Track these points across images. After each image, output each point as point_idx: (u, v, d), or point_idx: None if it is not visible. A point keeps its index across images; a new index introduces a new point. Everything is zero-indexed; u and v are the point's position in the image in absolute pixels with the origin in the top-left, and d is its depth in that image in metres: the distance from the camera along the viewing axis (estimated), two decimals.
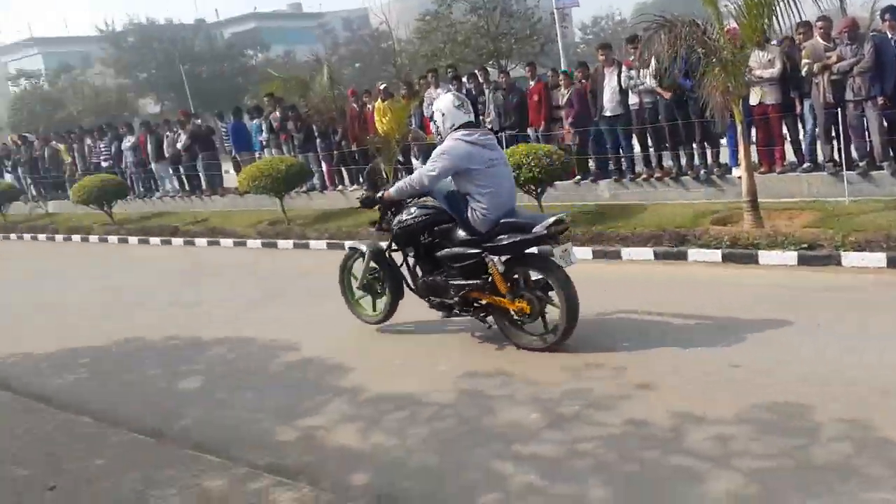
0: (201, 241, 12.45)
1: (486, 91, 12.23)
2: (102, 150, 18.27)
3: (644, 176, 10.62)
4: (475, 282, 5.59)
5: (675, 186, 10.28)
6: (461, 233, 5.65)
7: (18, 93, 47.22)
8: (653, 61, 8.93)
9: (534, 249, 5.51)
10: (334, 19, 68.95)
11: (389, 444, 4.38)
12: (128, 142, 17.60)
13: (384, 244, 6.35)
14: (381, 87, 13.27)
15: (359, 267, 6.55)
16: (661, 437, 4.02)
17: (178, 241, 12.78)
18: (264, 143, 15.06)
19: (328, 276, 8.99)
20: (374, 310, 6.56)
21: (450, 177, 5.63)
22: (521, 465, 3.93)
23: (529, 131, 11.78)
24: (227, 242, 12.11)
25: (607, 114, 10.56)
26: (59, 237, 15.25)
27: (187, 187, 16.74)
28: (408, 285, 6.19)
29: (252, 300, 8.27)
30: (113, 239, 13.99)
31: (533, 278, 5.52)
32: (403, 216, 5.98)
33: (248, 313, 7.74)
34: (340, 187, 14.18)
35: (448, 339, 6.10)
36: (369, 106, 13.18)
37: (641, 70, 9.98)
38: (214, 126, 17.37)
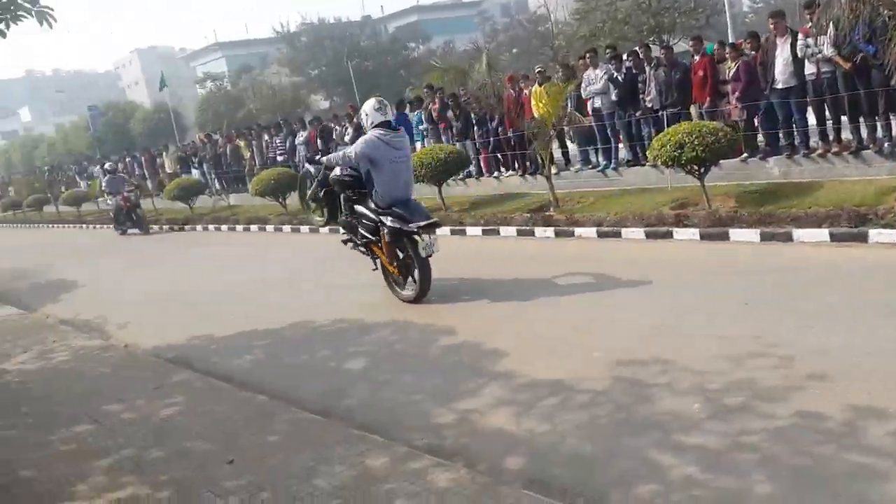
0: None
1: (647, 69, 11.82)
2: (278, 145, 19.54)
3: (820, 151, 9.82)
4: (374, 238, 7.55)
5: (855, 162, 9.42)
6: (370, 202, 7.43)
7: (204, 94, 51.45)
8: (831, 27, 8.24)
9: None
10: (493, 6, 69.27)
11: (543, 429, 4.39)
12: (300, 137, 18.69)
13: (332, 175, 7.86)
14: (538, 70, 13.19)
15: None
16: (836, 432, 3.75)
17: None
18: (424, 132, 15.44)
19: (484, 262, 9.13)
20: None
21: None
22: (681, 455, 3.80)
23: (693, 109, 11.27)
24: None
25: (779, 86, 9.86)
26: (238, 227, 16.49)
27: None
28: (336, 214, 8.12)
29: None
30: (286, 228, 14.93)
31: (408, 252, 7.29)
32: (338, 172, 7.71)
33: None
34: (496, 174, 14.28)
35: (602, 326, 6.00)
36: (526, 91, 13.14)
37: (819, 37, 9.22)
38: None
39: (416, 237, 7.09)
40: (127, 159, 27.89)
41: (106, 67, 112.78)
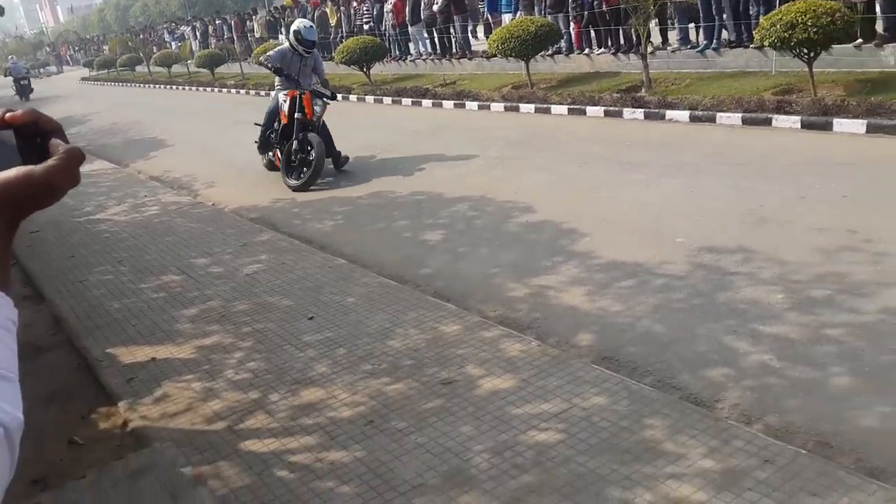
0: (448, 104, 12.79)
1: None
2: (365, 13, 19.15)
3: None
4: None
5: None
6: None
7: None
8: None
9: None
10: None
11: (616, 308, 4.37)
12: (388, 4, 18.24)
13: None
14: None
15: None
16: None
17: (427, 102, 13.26)
18: (517, 3, 14.80)
19: (566, 141, 8.91)
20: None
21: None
22: (758, 343, 3.74)
23: None
24: (471, 105, 12.33)
25: None
26: None
27: (439, 50, 17.13)
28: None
29: (490, 159, 8.44)
30: (369, 99, 14.86)
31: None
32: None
33: (482, 174, 7.93)
34: (587, 51, 13.66)
35: (688, 211, 5.81)
36: None
37: None
38: None
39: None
40: (217, 22, 27.94)
41: None
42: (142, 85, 27.37)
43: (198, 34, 28.71)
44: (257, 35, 24.32)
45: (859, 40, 9.68)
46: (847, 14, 8.29)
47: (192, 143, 12.88)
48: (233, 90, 20.58)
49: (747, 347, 3.72)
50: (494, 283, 5.08)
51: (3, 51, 70.36)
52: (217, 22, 27.83)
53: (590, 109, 10.26)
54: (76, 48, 53.46)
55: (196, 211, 7.86)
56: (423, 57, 17.63)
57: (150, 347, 4.53)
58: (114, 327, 4.93)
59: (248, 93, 19.62)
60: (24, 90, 27.07)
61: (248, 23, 25.52)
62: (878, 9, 9.66)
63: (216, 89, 21.52)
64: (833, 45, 8.70)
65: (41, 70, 50.16)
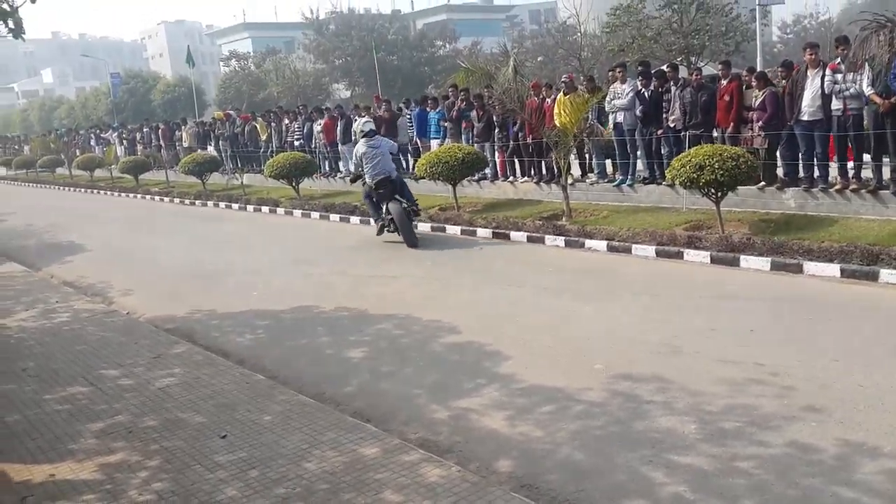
0: None
1: (673, 88, 11.78)
2: (296, 129, 19.58)
3: (838, 186, 9.76)
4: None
5: (872, 201, 9.36)
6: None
7: (228, 72, 51.58)
8: (866, 66, 8.19)
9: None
10: (523, 12, 69.22)
11: (537, 434, 4.39)
12: (318, 124, 18.73)
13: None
14: (564, 80, 13.13)
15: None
16: (829, 465, 3.75)
17: (355, 219, 13.42)
18: (444, 130, 15.43)
19: (491, 265, 9.13)
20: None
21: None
22: (673, 474, 3.79)
23: (716, 132, 11.24)
24: None
25: (805, 118, 9.80)
26: (250, 207, 16.53)
27: None
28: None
29: (416, 278, 8.55)
30: (297, 213, 14.94)
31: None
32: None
33: (409, 292, 8.00)
34: (511, 178, 14.26)
35: (606, 339, 5.98)
36: (548, 99, 13.12)
37: (847, 74, 9.19)
38: (400, 112, 18.05)
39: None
40: (145, 129, 27.96)
41: (132, 37, 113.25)
42: (61, 188, 26.81)
43: (124, 140, 28.57)
44: (185, 145, 24.38)
45: (762, 183, 10.47)
46: (750, 159, 9.01)
47: (111, 250, 12.56)
48: (157, 197, 20.37)
49: (663, 478, 3.77)
50: (417, 403, 5.04)
51: None
52: (145, 129, 27.85)
53: (514, 234, 10.60)
54: None
55: (109, 319, 7.59)
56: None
57: (49, 464, 4.24)
58: (11, 441, 4.61)
59: (172, 201, 19.46)
60: None
61: (176, 132, 25.62)
62: (778, 155, 10.53)
63: (139, 196, 21.26)
64: (738, 187, 9.38)
65: None
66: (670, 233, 9.22)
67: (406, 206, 10.65)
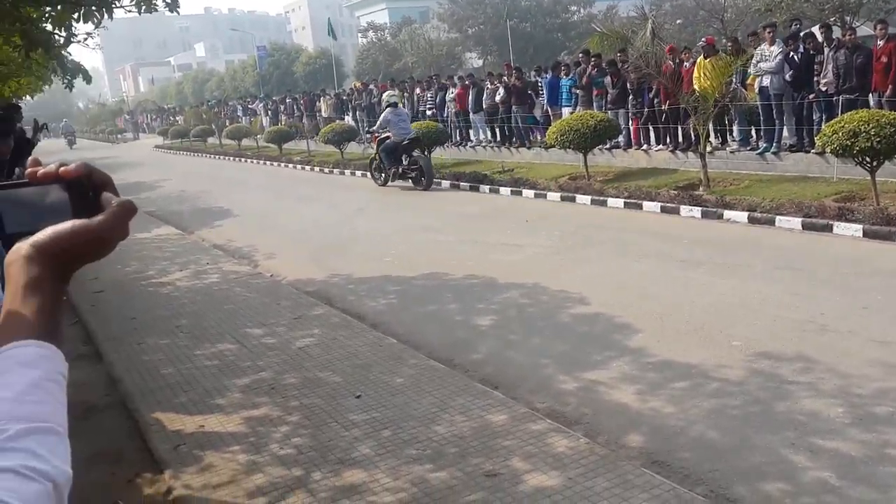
0: (505, 190, 12.99)
1: (826, 49, 10.95)
2: (429, 99, 19.83)
3: None
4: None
5: None
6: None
7: (365, 44, 52.71)
8: None
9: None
10: None
11: (669, 411, 4.27)
12: (451, 93, 18.85)
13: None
14: (703, 42, 12.48)
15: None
16: None
17: (484, 187, 13.48)
18: (575, 97, 15.13)
19: (621, 234, 8.92)
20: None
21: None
22: (817, 458, 3.60)
23: (871, 97, 10.38)
24: (528, 193, 12.49)
25: None
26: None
27: (499, 138, 17.53)
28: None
29: (544, 248, 8.49)
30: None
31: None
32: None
33: (536, 262, 7.96)
34: (645, 146, 13.80)
35: (746, 315, 5.72)
36: (686, 63, 12.55)
37: None
38: (533, 80, 17.88)
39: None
40: (287, 100, 29.16)
41: (277, 10, 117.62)
42: (212, 156, 28.51)
43: (269, 111, 29.93)
44: (324, 115, 25.24)
45: None
46: None
47: (256, 215, 13.28)
48: (298, 166, 21.27)
49: (806, 462, 3.58)
50: (544, 373, 5.03)
51: (86, 115, 74.45)
52: (288, 100, 29.03)
53: (646, 205, 10.28)
54: (153, 117, 56.20)
55: (255, 281, 8.05)
56: (483, 144, 18.04)
57: (199, 416, 4.58)
58: (166, 392, 5.01)
59: (312, 169, 20.25)
60: (70, 143, 43.81)
61: (317, 103, 26.54)
62: None
63: (283, 164, 22.28)
64: None
65: (118, 136, 52.74)
66: (819, 204, 8.63)
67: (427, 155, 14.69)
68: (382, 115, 14.54)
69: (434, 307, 6.75)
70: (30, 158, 0.85)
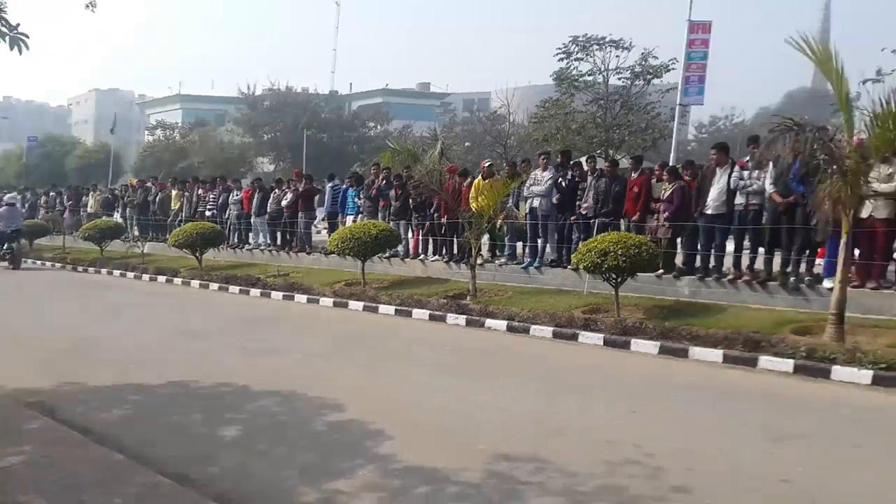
0: (277, 294, 12.68)
1: (589, 178, 12.18)
2: (210, 200, 19.22)
3: (730, 276, 10.15)
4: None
5: (761, 291, 9.78)
6: None
7: (151, 141, 50.70)
8: (770, 165, 8.71)
9: None
10: (457, 100, 70.92)
11: None
12: (235, 195, 18.49)
13: None
14: (486, 164, 13.28)
15: None
16: None
17: (255, 291, 13.07)
18: (360, 208, 15.44)
19: (389, 342, 8.96)
20: None
21: None
22: None
23: (623, 222, 11.59)
24: (300, 298, 12.29)
25: (709, 212, 10.27)
26: (146, 276, 15.94)
27: (279, 242, 17.29)
28: None
29: (308, 354, 8.27)
30: (195, 283, 14.46)
31: None
32: None
33: (298, 368, 7.72)
34: (422, 256, 14.24)
35: (492, 418, 5.85)
36: (464, 183, 13.31)
37: (753, 171, 9.76)
38: (321, 187, 18.12)
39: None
40: (51, 193, 26.99)
41: (59, 102, 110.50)
42: None
43: (26, 204, 27.42)
44: (90, 210, 23.57)
45: (660, 270, 10.75)
46: (652, 247, 9.30)
47: None
48: (48, 263, 19.62)
49: None
50: (286, 486, 4.72)
51: None
52: (51, 193, 26.88)
53: (416, 312, 10.48)
54: None
55: None
56: (262, 248, 17.69)
57: None
58: None
59: (64, 267, 18.76)
60: None
61: (83, 198, 24.81)
62: (678, 245, 10.90)
63: (29, 261, 20.27)
64: (638, 273, 9.60)
65: None
66: (569, 315, 9.29)
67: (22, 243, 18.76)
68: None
69: (176, 418, 6.19)
70: None
